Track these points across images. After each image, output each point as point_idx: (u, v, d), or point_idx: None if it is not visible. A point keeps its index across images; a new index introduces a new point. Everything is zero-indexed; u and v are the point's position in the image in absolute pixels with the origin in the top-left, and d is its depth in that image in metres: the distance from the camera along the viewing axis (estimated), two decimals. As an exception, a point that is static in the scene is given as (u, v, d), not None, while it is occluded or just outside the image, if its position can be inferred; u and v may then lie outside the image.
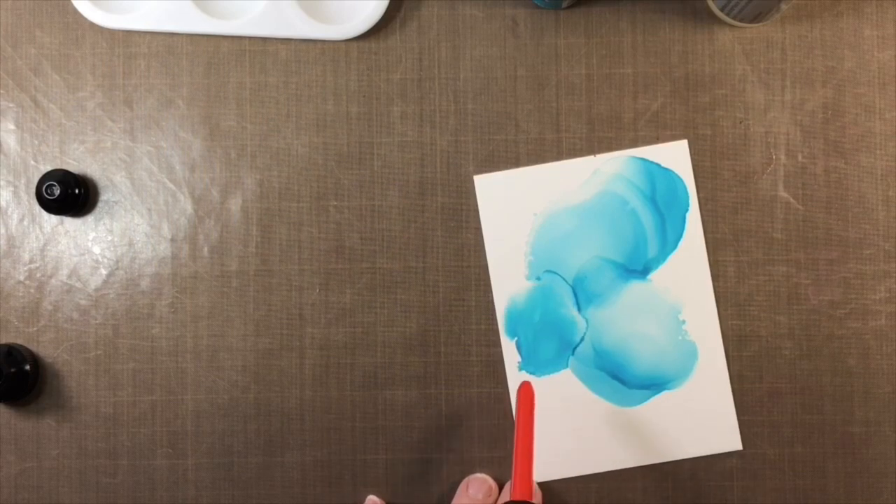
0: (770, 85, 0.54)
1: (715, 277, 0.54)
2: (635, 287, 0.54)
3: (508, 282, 0.54)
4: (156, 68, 0.55)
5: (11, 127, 0.56)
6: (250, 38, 0.55)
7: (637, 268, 0.54)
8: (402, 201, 0.55)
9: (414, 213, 0.55)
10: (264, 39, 0.55)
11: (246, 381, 0.55)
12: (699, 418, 0.53)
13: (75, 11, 0.55)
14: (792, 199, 0.54)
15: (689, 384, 0.54)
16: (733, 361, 0.54)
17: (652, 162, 0.54)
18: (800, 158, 0.54)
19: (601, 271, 0.54)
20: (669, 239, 0.54)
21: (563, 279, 0.54)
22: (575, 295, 0.54)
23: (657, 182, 0.54)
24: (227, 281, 0.55)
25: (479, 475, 0.54)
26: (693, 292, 0.53)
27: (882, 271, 0.54)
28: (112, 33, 0.55)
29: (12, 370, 0.53)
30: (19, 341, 0.55)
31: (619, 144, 0.54)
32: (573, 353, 0.54)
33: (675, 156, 0.54)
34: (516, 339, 0.54)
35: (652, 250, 0.54)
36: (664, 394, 0.54)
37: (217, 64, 0.55)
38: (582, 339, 0.54)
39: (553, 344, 0.54)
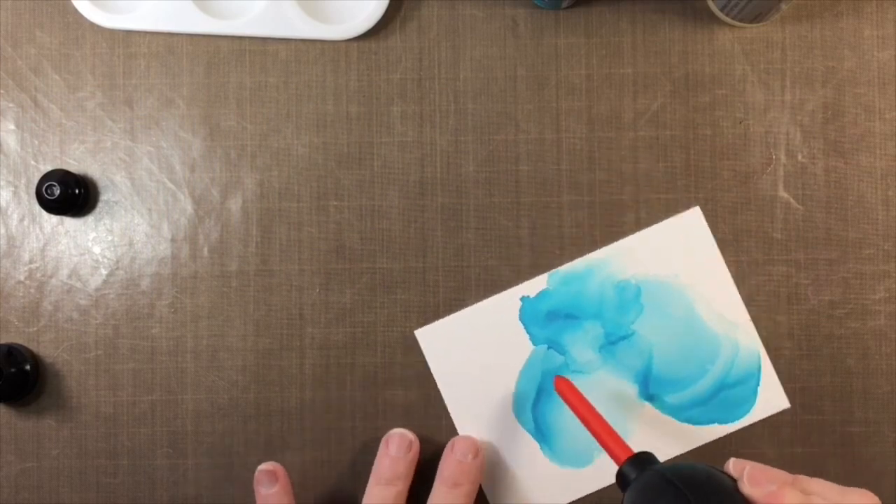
0: (770, 85, 0.54)
1: (715, 277, 0.54)
2: (646, 409, 0.54)
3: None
4: (156, 68, 0.55)
5: (11, 127, 0.55)
6: (250, 38, 0.55)
7: (660, 391, 0.54)
8: (402, 201, 0.55)
9: (414, 213, 0.55)
10: (264, 39, 0.55)
11: (246, 381, 0.55)
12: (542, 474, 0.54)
13: (75, 11, 0.55)
14: (792, 199, 0.54)
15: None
16: (733, 361, 0.54)
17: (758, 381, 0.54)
18: (800, 158, 0.54)
19: (673, 366, 0.54)
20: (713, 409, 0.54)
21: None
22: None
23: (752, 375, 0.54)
24: (227, 281, 0.55)
25: (398, 430, 0.53)
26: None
27: (881, 271, 0.54)
28: (112, 33, 0.55)
29: (12, 370, 0.53)
30: (19, 341, 0.55)
31: (619, 143, 0.54)
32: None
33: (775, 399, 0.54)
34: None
35: (692, 392, 0.54)
36: (544, 452, 0.54)
37: (217, 64, 0.55)
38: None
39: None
